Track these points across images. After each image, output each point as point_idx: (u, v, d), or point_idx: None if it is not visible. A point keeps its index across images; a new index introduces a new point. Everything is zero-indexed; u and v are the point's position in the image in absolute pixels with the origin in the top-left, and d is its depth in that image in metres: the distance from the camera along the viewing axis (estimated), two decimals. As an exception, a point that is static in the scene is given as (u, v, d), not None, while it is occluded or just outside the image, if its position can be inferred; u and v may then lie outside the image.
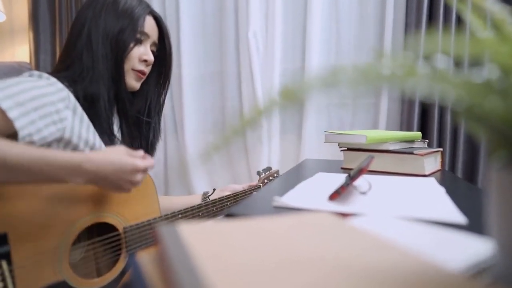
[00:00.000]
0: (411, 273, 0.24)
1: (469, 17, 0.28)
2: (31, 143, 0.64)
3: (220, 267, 0.24)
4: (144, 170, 0.69)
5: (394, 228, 0.37)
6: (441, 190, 0.60)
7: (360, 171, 0.52)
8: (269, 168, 1.25)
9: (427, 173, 0.80)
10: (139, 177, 0.68)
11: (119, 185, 0.66)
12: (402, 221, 0.39)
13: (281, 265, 0.24)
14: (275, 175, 1.26)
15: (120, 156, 0.66)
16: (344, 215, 0.42)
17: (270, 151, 1.73)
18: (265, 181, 1.21)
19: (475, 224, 0.42)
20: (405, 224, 0.38)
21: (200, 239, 0.28)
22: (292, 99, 0.16)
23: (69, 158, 0.60)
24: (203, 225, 0.31)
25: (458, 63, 0.27)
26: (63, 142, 0.71)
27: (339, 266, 0.24)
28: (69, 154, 0.62)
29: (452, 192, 0.58)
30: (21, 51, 2.26)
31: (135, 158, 0.68)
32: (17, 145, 0.57)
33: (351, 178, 0.53)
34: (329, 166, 0.97)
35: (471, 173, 1.46)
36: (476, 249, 0.30)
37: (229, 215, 0.44)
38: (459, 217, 0.43)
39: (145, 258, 0.28)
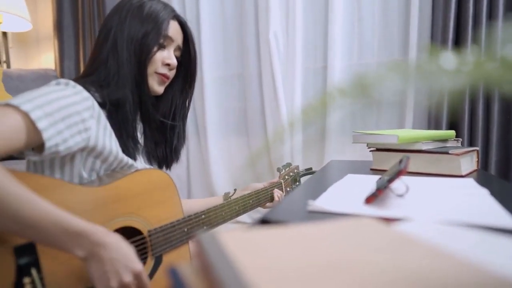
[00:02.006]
0: (473, 285, 0.21)
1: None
2: (56, 153, 0.65)
3: (265, 274, 0.22)
4: (138, 276, 0.62)
5: (445, 235, 0.34)
6: (484, 191, 0.57)
7: (399, 173, 0.49)
8: (289, 164, 1.23)
9: (463, 173, 0.76)
10: (129, 278, 0.60)
11: (107, 275, 0.59)
12: (451, 227, 0.36)
13: (328, 272, 0.23)
14: (295, 170, 1.25)
15: (127, 249, 0.61)
16: (386, 219, 0.40)
17: (293, 151, 1.71)
18: (286, 177, 1.19)
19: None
20: (456, 230, 0.35)
21: (242, 247, 0.27)
22: (362, 93, 0.15)
23: (80, 225, 0.57)
24: (244, 233, 0.29)
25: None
26: (87, 151, 0.71)
27: (388, 273, 0.22)
28: (81, 221, 0.58)
29: (495, 194, 0.55)
30: (47, 58, 2.33)
31: (138, 261, 0.63)
32: (35, 198, 0.55)
33: (389, 180, 0.50)
34: (357, 167, 0.94)
35: (505, 172, 1.39)
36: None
37: (264, 221, 0.42)
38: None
39: (186, 269, 0.27)
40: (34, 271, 0.57)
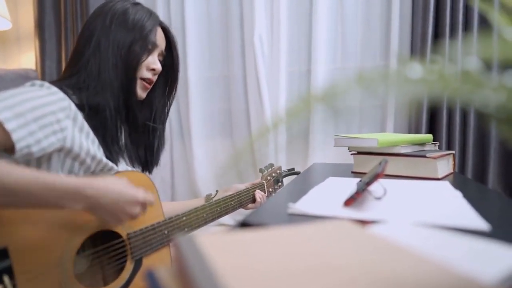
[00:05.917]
0: (440, 285, 0.22)
1: (496, 18, 0.27)
2: (29, 154, 0.63)
3: (243, 278, 0.23)
4: (144, 204, 0.68)
5: (417, 236, 0.35)
6: (458, 194, 0.59)
7: (376, 176, 0.50)
8: (271, 165, 1.24)
9: (440, 176, 0.78)
10: (137, 209, 0.67)
11: (116, 216, 0.64)
12: (424, 229, 0.38)
13: (304, 275, 0.23)
14: (278, 171, 1.25)
15: (122, 186, 0.65)
16: (363, 222, 0.41)
17: (277, 155, 1.72)
18: (268, 178, 1.19)
19: (499, 231, 0.40)
20: (428, 232, 0.37)
21: (220, 250, 0.27)
22: (327, 102, 0.15)
23: (70, 183, 0.59)
24: (222, 236, 0.30)
25: (487, 67, 0.26)
26: (63, 152, 0.70)
27: (363, 275, 0.23)
28: (70, 179, 0.60)
29: (469, 196, 0.57)
30: (27, 58, 2.27)
31: (137, 190, 0.67)
32: (17, 168, 0.55)
33: (367, 183, 0.52)
34: (338, 170, 0.96)
35: (481, 175, 1.44)
36: (507, 259, 0.29)
37: (244, 224, 0.43)
38: (482, 224, 0.42)
39: (164, 273, 0.27)
40: (6, 278, 0.56)
